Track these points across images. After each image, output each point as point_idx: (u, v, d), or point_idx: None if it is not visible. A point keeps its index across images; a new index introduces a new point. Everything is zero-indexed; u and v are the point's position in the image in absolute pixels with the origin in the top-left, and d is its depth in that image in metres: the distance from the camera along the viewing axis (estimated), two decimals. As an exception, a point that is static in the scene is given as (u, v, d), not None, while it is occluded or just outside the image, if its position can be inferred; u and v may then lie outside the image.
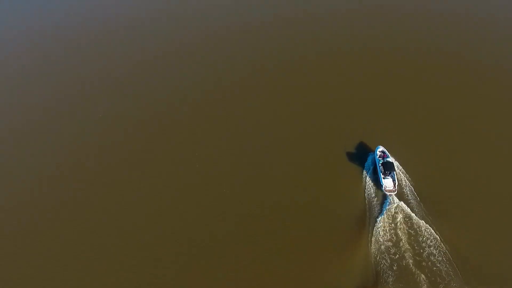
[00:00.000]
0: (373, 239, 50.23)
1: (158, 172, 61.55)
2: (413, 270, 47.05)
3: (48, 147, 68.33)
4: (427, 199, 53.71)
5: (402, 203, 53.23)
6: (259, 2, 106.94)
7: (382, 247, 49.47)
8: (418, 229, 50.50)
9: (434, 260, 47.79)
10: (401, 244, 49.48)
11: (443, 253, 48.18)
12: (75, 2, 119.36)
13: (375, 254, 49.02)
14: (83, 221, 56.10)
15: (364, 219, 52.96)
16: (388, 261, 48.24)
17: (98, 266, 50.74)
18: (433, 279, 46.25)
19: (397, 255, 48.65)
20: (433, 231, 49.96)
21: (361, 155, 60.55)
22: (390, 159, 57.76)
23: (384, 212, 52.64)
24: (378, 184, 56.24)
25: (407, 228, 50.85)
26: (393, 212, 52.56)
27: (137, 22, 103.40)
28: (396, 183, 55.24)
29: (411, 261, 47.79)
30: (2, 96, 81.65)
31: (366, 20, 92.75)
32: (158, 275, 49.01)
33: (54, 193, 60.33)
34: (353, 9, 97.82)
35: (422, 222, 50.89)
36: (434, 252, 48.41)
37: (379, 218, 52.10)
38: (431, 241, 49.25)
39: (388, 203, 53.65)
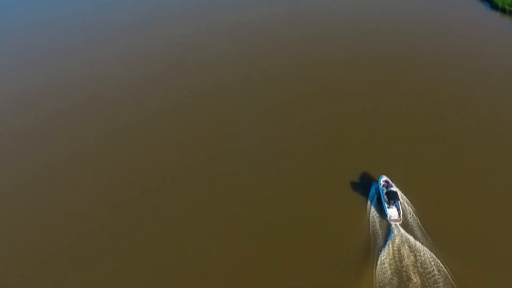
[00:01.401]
0: (377, 268, 50.07)
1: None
2: (419, 301, 46.61)
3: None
4: (433, 229, 53.73)
5: (407, 233, 53.46)
6: (259, 30, 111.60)
7: (387, 277, 49.22)
8: (423, 259, 50.29)
9: (441, 290, 47.57)
10: (406, 275, 49.21)
11: (450, 284, 47.83)
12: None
13: (380, 283, 48.70)
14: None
15: (369, 248, 52.88)
16: (394, 291, 48.00)
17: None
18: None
19: (402, 285, 48.29)
20: (439, 261, 49.76)
21: (364, 185, 61.21)
22: (394, 188, 58.35)
23: (389, 241, 52.69)
24: (382, 213, 56.61)
25: (412, 258, 50.68)
26: (398, 242, 52.64)
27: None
28: (401, 213, 55.54)
29: (417, 291, 47.45)
30: None
31: (369, 54, 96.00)
32: None
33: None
34: (356, 44, 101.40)
35: (428, 252, 50.82)
36: (440, 282, 48.12)
37: (384, 248, 52.10)
38: (436, 271, 48.99)
39: (393, 233, 53.76)
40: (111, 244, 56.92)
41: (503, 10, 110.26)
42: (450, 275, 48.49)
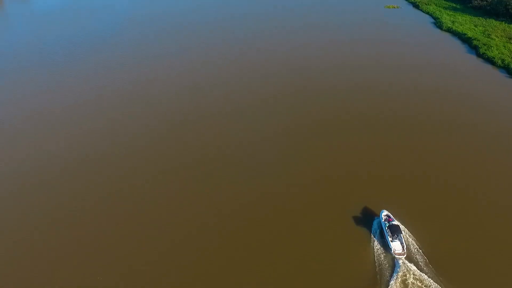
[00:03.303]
0: (387, 303, 52.15)
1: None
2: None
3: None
4: (437, 261, 56.62)
5: (412, 266, 56.11)
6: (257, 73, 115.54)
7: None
8: (430, 292, 52.82)
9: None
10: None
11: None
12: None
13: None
14: None
15: (375, 283, 54.79)
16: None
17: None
18: None
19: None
20: (445, 292, 52.45)
21: (367, 220, 64.04)
22: (396, 222, 61.17)
23: (395, 275, 54.97)
24: (386, 247, 59.04)
25: (420, 291, 53.14)
26: (404, 275, 54.98)
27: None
28: (405, 246, 58.21)
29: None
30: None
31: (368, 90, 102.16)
32: None
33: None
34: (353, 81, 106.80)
35: (433, 284, 53.36)
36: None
37: (391, 282, 54.17)
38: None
39: (398, 267, 56.17)
40: None
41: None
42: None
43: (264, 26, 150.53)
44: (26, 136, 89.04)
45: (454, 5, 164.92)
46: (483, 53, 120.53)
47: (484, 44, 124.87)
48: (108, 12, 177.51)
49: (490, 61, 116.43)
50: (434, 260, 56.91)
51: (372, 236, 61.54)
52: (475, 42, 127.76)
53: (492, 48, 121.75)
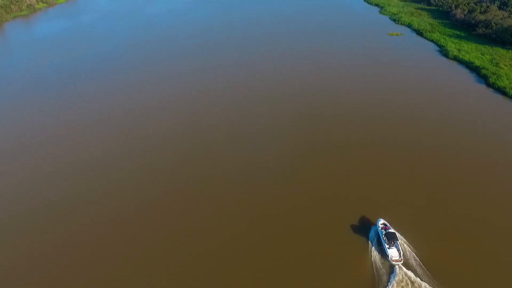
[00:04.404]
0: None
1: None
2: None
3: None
4: (432, 266, 61.20)
5: (409, 272, 60.55)
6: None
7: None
8: (426, 295, 57.07)
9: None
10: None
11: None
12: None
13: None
14: None
15: None
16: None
17: None
18: None
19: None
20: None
21: (364, 228, 69.23)
22: (392, 230, 65.97)
23: (393, 281, 59.34)
24: (383, 254, 63.77)
25: (416, 295, 57.06)
26: (401, 280, 59.36)
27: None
28: (401, 253, 62.79)
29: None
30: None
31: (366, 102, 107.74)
32: None
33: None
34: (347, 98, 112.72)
35: None
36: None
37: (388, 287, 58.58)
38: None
39: (395, 273, 60.59)
40: None
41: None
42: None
43: (269, 52, 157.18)
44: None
45: (459, 32, 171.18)
46: (493, 83, 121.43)
47: (494, 74, 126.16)
48: (108, 38, 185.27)
49: (501, 91, 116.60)
50: (430, 265, 61.63)
51: (370, 243, 66.54)
52: (483, 71, 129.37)
53: (502, 77, 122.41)
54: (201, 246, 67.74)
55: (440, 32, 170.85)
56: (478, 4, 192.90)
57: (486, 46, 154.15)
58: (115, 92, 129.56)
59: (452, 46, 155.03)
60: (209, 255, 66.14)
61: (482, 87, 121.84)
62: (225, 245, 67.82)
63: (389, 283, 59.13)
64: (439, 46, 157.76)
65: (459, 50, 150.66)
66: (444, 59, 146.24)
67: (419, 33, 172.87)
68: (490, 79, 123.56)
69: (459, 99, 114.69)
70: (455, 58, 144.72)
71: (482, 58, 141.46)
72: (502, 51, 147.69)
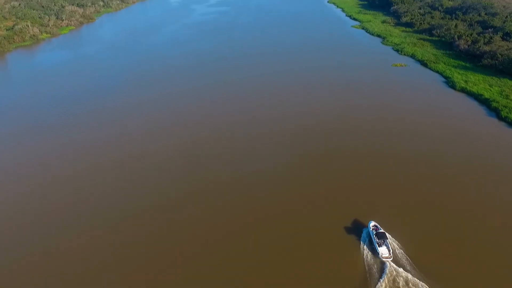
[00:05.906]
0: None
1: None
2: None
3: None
4: (419, 261, 69.13)
5: (398, 267, 68.08)
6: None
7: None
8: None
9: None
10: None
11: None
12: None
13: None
14: None
15: (366, 284, 66.24)
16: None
17: None
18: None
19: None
20: (426, 286, 64.57)
21: (357, 230, 77.28)
22: (382, 230, 74.28)
23: (384, 276, 66.74)
24: (374, 252, 71.60)
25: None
26: (392, 275, 66.74)
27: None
28: (391, 250, 70.70)
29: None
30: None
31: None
32: None
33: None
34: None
35: (419, 283, 65.02)
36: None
37: (379, 283, 65.66)
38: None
39: (386, 269, 68.05)
40: None
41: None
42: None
43: (274, 85, 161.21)
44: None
45: (464, 63, 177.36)
46: (506, 116, 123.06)
47: (505, 107, 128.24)
48: (109, 68, 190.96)
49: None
50: (417, 261, 69.72)
51: (361, 243, 74.53)
52: (494, 104, 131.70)
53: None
54: (195, 248, 74.77)
55: (444, 63, 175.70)
56: (481, 35, 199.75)
57: (493, 77, 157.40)
58: (110, 126, 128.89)
59: (458, 77, 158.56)
60: (204, 257, 72.84)
61: (494, 121, 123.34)
62: (219, 247, 74.98)
63: (380, 279, 66.40)
64: (445, 77, 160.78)
65: (466, 81, 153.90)
66: (451, 90, 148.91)
67: (423, 64, 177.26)
68: (502, 113, 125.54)
69: (471, 134, 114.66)
70: (463, 90, 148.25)
71: (490, 90, 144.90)
72: (510, 82, 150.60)
